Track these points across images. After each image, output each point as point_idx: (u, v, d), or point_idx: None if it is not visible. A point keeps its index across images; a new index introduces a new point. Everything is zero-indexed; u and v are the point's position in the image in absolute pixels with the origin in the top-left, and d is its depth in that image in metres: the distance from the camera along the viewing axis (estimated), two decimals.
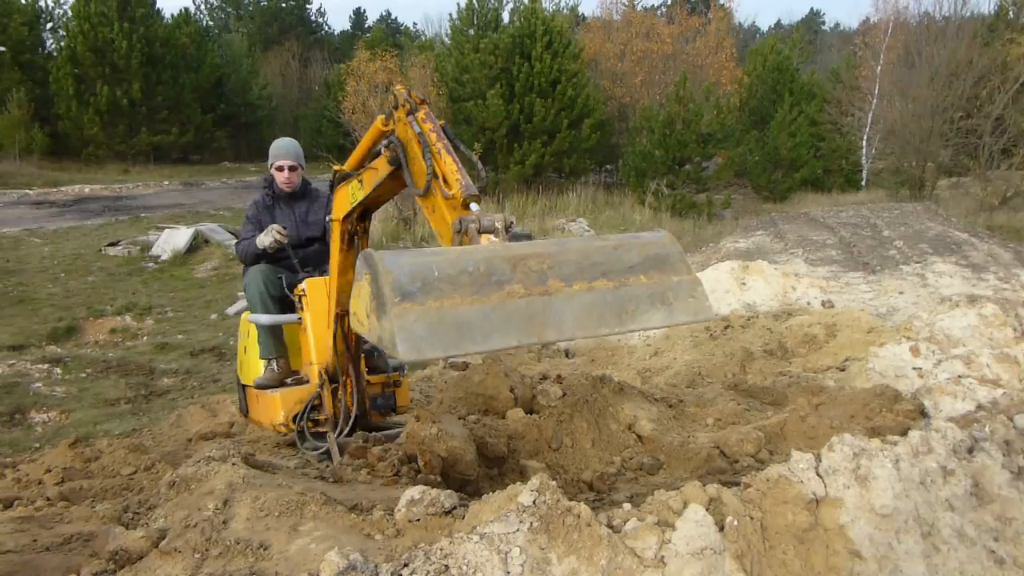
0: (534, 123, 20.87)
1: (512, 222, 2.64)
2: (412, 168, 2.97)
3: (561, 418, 3.29)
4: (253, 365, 4.91)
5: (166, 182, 24.59)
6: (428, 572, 1.53)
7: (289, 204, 4.80)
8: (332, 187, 3.74)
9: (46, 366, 8.38)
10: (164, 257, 13.59)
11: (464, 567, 1.54)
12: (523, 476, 2.95)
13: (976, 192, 20.93)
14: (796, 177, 24.86)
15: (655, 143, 20.10)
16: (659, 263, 2.38)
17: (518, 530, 1.59)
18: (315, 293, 4.58)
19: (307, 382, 4.61)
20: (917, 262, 9.50)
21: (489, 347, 2.14)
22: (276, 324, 4.78)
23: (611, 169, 27.04)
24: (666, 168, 20.34)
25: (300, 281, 4.66)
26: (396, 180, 3.15)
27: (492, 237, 2.51)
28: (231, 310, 10.88)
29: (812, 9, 65.35)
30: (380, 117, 3.23)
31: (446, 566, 1.55)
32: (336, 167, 3.76)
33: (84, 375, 8.23)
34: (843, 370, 6.00)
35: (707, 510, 1.73)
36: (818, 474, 1.96)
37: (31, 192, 20.92)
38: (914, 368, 5.28)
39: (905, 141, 21.26)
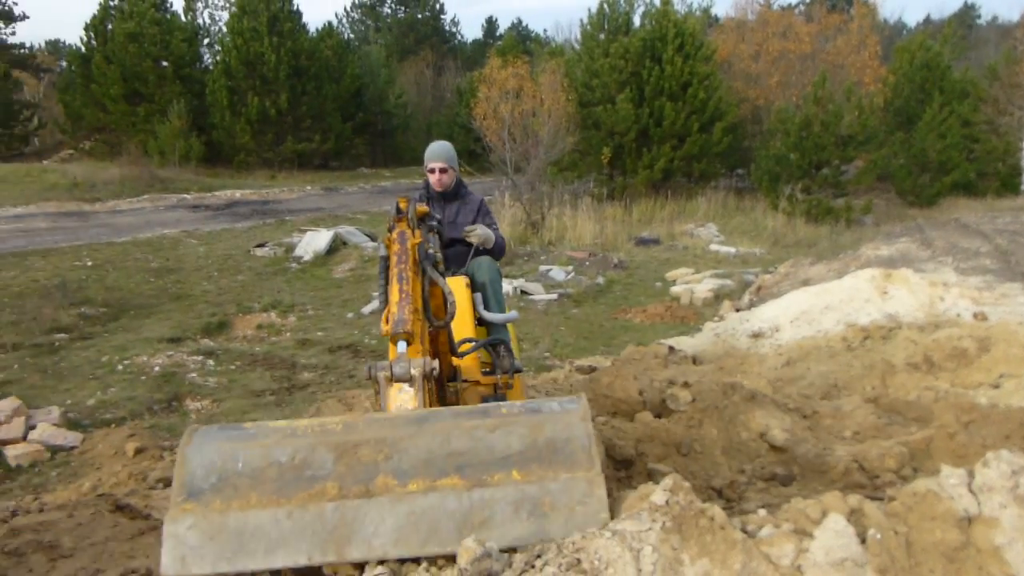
0: (663, 127, 20.61)
1: (434, 368, 2.44)
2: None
3: (691, 424, 3.26)
4: None
5: (308, 187, 26.00)
6: (560, 564, 1.58)
7: (441, 204, 4.97)
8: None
9: (200, 358, 9.04)
10: (306, 258, 14.37)
11: (596, 562, 1.57)
12: (651, 479, 2.94)
13: None
14: (946, 181, 23.29)
15: (790, 146, 19.38)
16: (548, 453, 1.87)
17: (650, 529, 1.61)
18: (454, 291, 4.73)
19: None
20: None
21: (269, 565, 1.75)
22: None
23: (742, 174, 26.26)
24: (801, 172, 19.58)
25: None
26: None
27: (405, 387, 2.29)
28: (366, 309, 11.42)
29: (966, 2, 60.59)
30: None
31: (578, 560, 1.58)
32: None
33: (233, 367, 8.82)
34: (997, 387, 5.59)
35: (848, 521, 1.69)
36: (971, 491, 1.86)
37: (188, 196, 22.63)
38: None
39: None
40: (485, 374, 4.65)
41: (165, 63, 28.17)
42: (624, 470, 3.04)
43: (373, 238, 15.88)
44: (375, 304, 11.81)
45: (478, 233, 4.75)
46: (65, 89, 29.84)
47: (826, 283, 9.00)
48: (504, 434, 1.89)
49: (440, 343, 4.12)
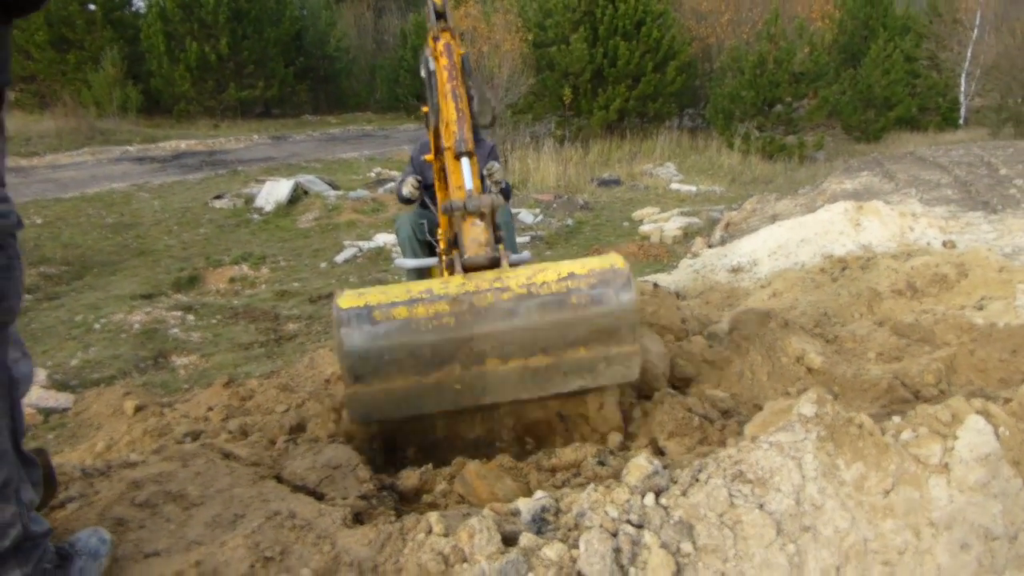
0: (618, 67, 20.51)
1: (496, 201, 2.69)
2: (432, 101, 3.03)
3: (739, 350, 3.37)
4: None
5: (255, 136, 25.21)
6: (725, 475, 1.66)
7: None
8: (427, 127, 3.78)
9: (179, 313, 8.86)
10: (268, 209, 14.06)
11: (760, 472, 1.65)
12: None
13: None
14: (890, 116, 23.86)
15: (744, 84, 19.53)
16: (605, 335, 2.50)
17: (805, 439, 1.70)
18: None
19: None
20: None
21: (425, 411, 2.50)
22: (420, 267, 4.97)
23: (692, 113, 26.42)
24: (756, 110, 19.80)
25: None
26: None
27: (476, 221, 2.61)
28: (339, 258, 11.30)
29: None
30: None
31: (740, 471, 1.67)
32: (425, 108, 3.82)
33: (215, 321, 8.67)
34: (981, 308, 5.88)
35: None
36: None
37: (131, 148, 21.75)
38: None
39: (1012, 77, 20.10)
40: None
41: (93, 6, 26.62)
42: (680, 390, 3.14)
43: (335, 186, 15.60)
44: (348, 252, 11.76)
45: (497, 173, 4.77)
46: None
47: (801, 217, 9.24)
48: (574, 326, 2.48)
49: None
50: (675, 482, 1.71)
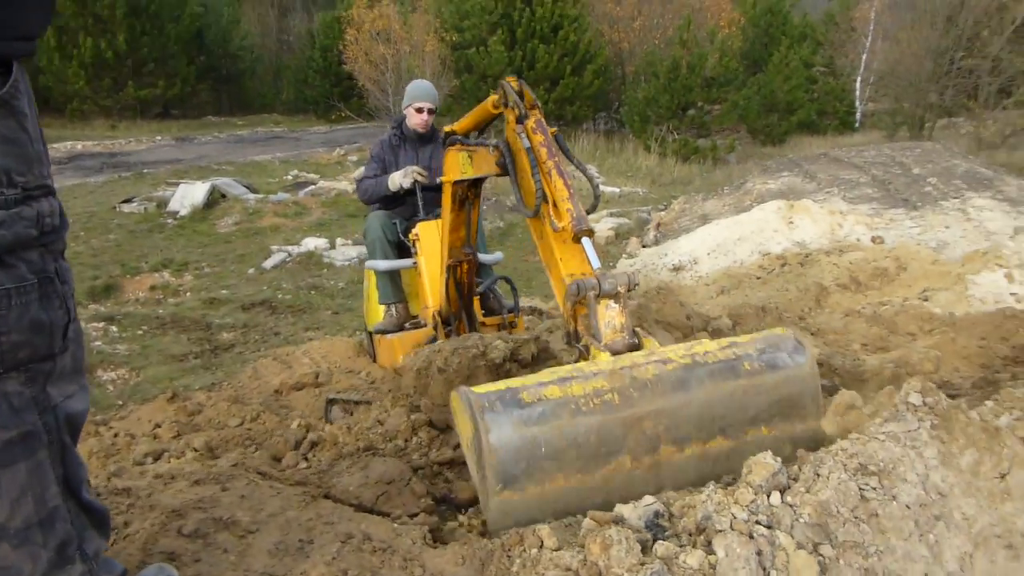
0: (537, 69, 20.63)
1: (634, 280, 2.43)
2: (520, 183, 2.79)
3: None
4: (374, 311, 4.94)
5: (158, 137, 24.02)
6: (846, 469, 1.61)
7: (415, 146, 4.80)
8: (444, 145, 3.70)
9: (101, 324, 8.29)
10: (183, 213, 13.38)
11: (882, 463, 1.61)
12: None
13: (971, 132, 21.17)
14: (792, 120, 24.93)
15: (660, 88, 19.99)
16: (787, 409, 2.16)
17: (919, 428, 1.67)
18: (428, 237, 4.60)
19: (425, 326, 4.66)
20: (955, 197, 9.65)
21: (584, 510, 1.98)
22: (393, 269, 4.80)
23: (606, 116, 26.87)
24: (670, 113, 20.29)
25: (415, 226, 4.68)
26: (506, 174, 2.96)
27: (611, 303, 2.31)
28: (268, 263, 10.85)
29: None
30: (492, 98, 3.06)
31: (861, 464, 1.62)
32: (447, 127, 3.73)
33: (141, 332, 8.16)
34: (926, 300, 6.15)
35: None
36: None
37: None
38: (1011, 293, 5.44)
39: (907, 83, 21.34)
40: (485, 315, 4.60)
41: None
42: None
43: (254, 190, 15.01)
44: (277, 257, 11.32)
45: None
46: None
47: (736, 216, 9.47)
48: (754, 394, 2.14)
49: (467, 273, 4.02)
50: (795, 480, 1.66)
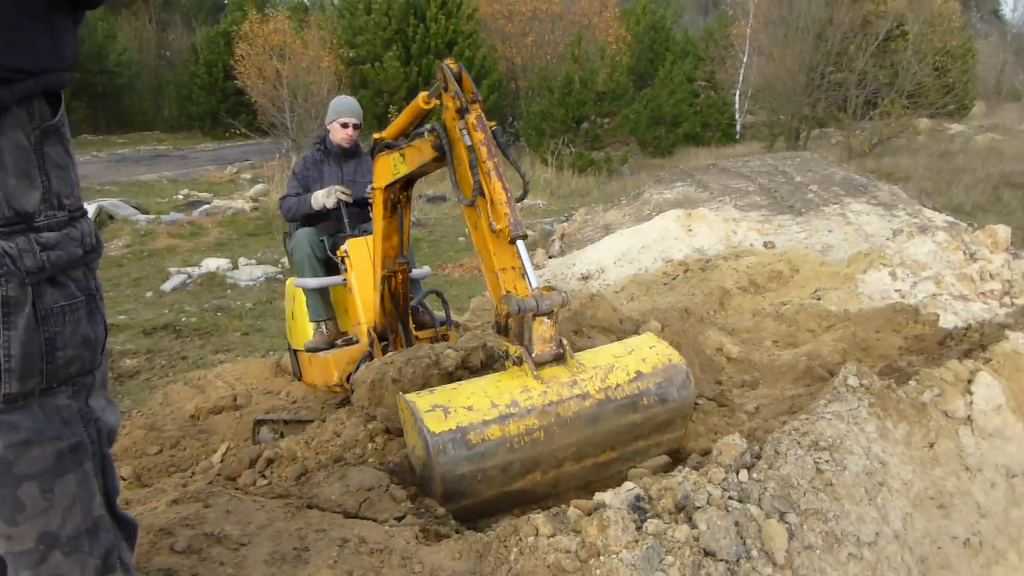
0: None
1: (566, 299, 2.63)
2: (457, 171, 2.87)
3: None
4: (302, 329, 4.90)
5: None
6: (801, 445, 1.80)
7: (339, 162, 4.82)
8: (372, 154, 3.75)
9: None
10: None
11: (831, 439, 1.81)
12: None
13: (842, 141, 22.80)
14: (679, 133, 26.02)
15: (555, 103, 20.49)
16: (663, 427, 2.66)
17: (859, 406, 1.88)
18: (358, 253, 4.63)
19: (357, 342, 4.67)
20: (835, 203, 10.40)
21: (498, 513, 2.52)
22: (323, 287, 4.79)
23: (502, 130, 27.19)
24: (565, 127, 20.82)
25: (342, 242, 4.70)
26: (441, 161, 3.04)
27: (545, 319, 2.52)
28: (167, 286, 10.46)
29: None
30: (422, 95, 3.10)
31: (814, 441, 1.81)
32: (376, 135, 3.78)
33: None
34: (819, 299, 6.63)
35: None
36: None
37: None
38: (896, 290, 5.96)
39: (783, 96, 22.73)
40: (417, 329, 4.66)
41: None
42: None
43: (143, 210, 14.42)
44: (176, 280, 11.00)
45: None
46: None
47: (639, 226, 9.86)
48: (642, 422, 2.59)
49: (402, 284, 4.08)
50: (758, 458, 1.83)
